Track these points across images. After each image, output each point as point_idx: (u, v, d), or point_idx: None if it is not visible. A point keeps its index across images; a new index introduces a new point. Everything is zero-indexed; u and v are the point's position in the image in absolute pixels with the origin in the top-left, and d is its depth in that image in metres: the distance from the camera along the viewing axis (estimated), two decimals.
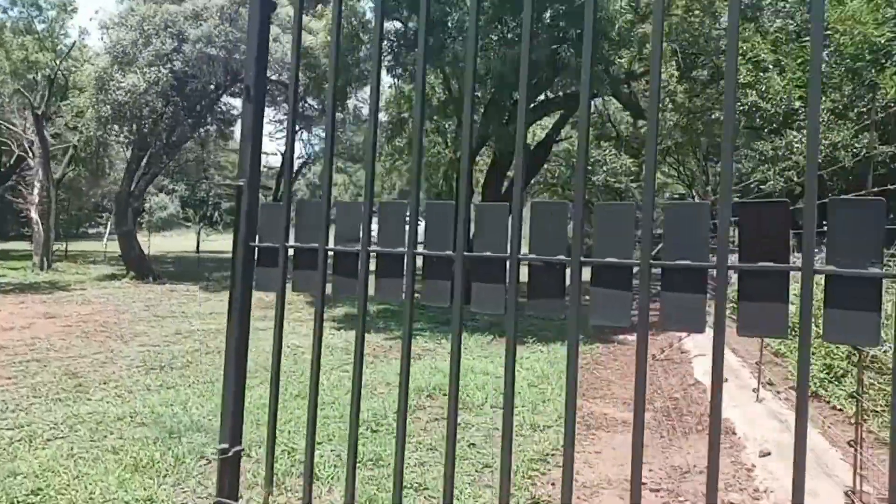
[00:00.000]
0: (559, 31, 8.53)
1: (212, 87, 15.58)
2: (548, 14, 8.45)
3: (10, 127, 16.80)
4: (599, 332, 9.27)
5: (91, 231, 48.05)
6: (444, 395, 5.67)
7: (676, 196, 26.29)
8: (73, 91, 20.22)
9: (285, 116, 22.60)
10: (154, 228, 54.03)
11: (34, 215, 16.06)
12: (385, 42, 10.02)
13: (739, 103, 14.24)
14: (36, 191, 16.15)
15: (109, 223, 44.34)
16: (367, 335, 6.21)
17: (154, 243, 38.90)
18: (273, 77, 16.29)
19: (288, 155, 1.80)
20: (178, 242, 37.04)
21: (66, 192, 35.29)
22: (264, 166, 46.51)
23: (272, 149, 31.49)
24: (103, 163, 24.46)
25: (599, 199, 23.63)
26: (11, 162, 21.05)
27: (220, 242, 33.40)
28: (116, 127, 15.26)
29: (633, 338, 9.31)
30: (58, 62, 16.26)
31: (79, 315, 10.33)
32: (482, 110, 10.14)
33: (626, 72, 10.98)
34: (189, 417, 4.80)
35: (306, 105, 21.25)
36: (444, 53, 9.84)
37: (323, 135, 23.07)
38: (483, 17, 9.24)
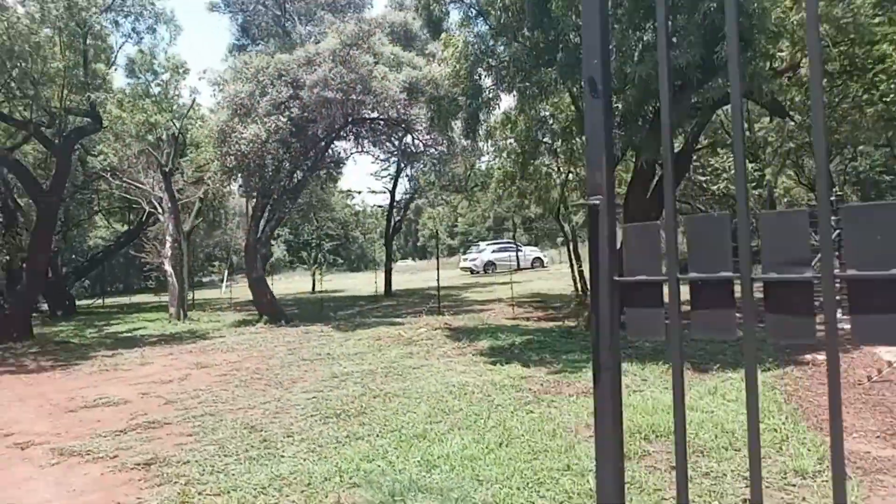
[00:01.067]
0: (713, 29, 7.86)
1: (325, 131, 15.76)
2: (700, 12, 7.80)
3: (140, 186, 17.63)
4: (782, 351, 8.36)
5: (205, 280, 50.50)
6: (660, 436, 5.05)
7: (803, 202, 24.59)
8: (191, 148, 21.23)
9: (388, 156, 22.81)
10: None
11: (168, 268, 16.70)
12: (504, 65, 9.67)
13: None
14: (168, 244, 16.81)
15: (224, 271, 46.26)
16: (523, 369, 5.66)
17: None
18: (373, 115, 16.37)
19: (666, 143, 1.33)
20: (286, 286, 37.92)
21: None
22: (375, 205, 47.11)
23: (379, 187, 31.80)
24: (219, 214, 25.50)
25: (718, 209, 22.32)
26: (140, 219, 22.19)
27: (333, 282, 34.07)
28: (240, 177, 15.68)
29: (822, 357, 8.35)
30: (180, 121, 16.99)
31: (228, 363, 10.39)
32: (618, 120, 9.55)
33: (771, 68, 10.09)
34: (402, 475, 4.41)
35: (408, 143, 21.34)
36: (577, 71, 9.37)
37: (425, 168, 23.02)
38: (619, 24, 8.71)
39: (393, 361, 9.57)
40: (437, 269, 17.38)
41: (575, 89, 10.41)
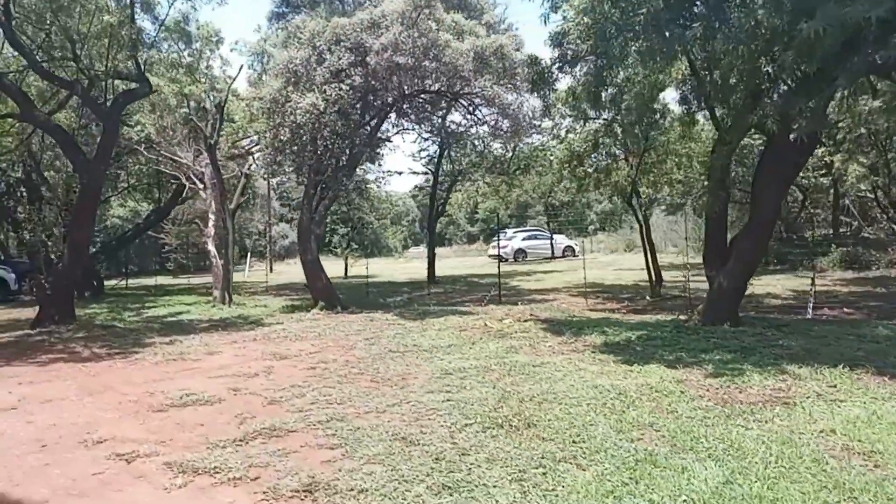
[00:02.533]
0: None
1: (389, 100, 14.56)
2: None
3: (178, 159, 16.43)
4: None
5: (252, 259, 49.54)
6: None
7: None
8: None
9: (429, 134, 21.58)
10: (278, 257, 54.87)
11: (211, 248, 15.55)
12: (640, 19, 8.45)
13: None
14: (211, 223, 15.64)
15: (248, 255, 45.14)
16: (670, 371, 4.45)
17: (279, 270, 39.23)
18: (434, 86, 15.13)
19: None
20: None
21: (187, 226, 36.01)
22: (415, 186, 45.83)
23: (419, 168, 30.51)
24: (247, 193, 24.30)
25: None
26: (171, 196, 21.01)
27: (357, 267, 32.61)
28: (292, 150, 14.51)
29: None
30: (224, 92, 15.76)
31: (307, 354, 9.28)
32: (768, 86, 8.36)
33: None
34: None
35: (451, 121, 20.16)
36: (692, 31, 8.19)
37: (472, 148, 21.78)
38: None
39: (500, 357, 8.45)
40: (499, 257, 16.23)
41: (697, 52, 9.17)
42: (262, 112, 14.76)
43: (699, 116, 13.83)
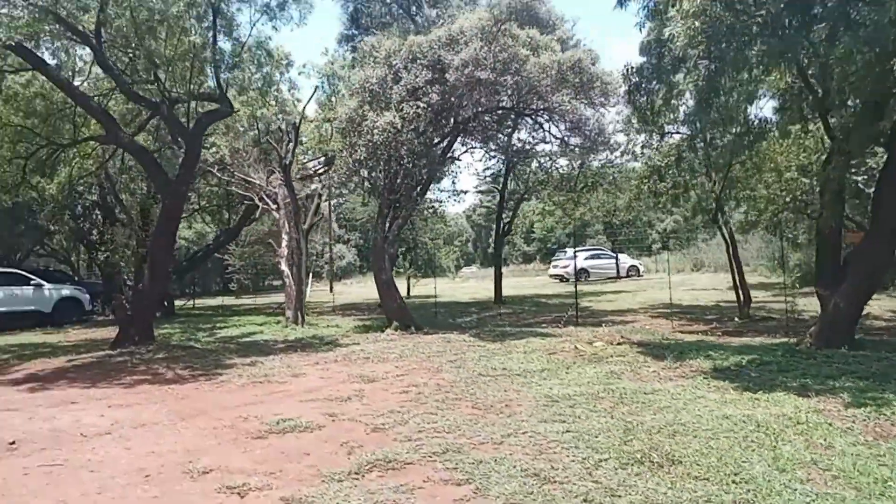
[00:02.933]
0: None
1: (463, 117, 14.27)
2: None
3: (250, 180, 16.46)
4: None
5: (276, 283, 49.74)
6: None
7: None
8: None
9: (496, 152, 21.19)
10: (335, 277, 55.26)
11: (284, 268, 15.46)
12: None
13: None
14: (284, 243, 15.56)
15: (310, 275, 45.47)
16: (802, 400, 3.77)
17: (338, 290, 39.29)
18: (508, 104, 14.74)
19: None
20: (359, 290, 36.52)
21: (250, 247, 36.38)
22: (471, 206, 45.53)
23: (483, 187, 30.17)
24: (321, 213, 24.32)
25: None
26: (240, 217, 21.16)
27: (419, 287, 32.23)
28: (364, 171, 14.35)
29: None
30: (292, 113, 15.77)
31: (394, 377, 8.90)
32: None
33: None
34: None
35: (517, 139, 19.74)
36: (813, 35, 7.58)
37: (540, 166, 21.27)
38: None
39: (605, 383, 7.90)
40: (576, 276, 15.65)
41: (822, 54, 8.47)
42: (338, 132, 14.67)
43: (795, 127, 13.03)
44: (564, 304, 20.45)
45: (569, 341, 11.27)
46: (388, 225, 14.63)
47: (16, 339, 16.34)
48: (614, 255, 34.59)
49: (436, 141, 14.58)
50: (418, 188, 14.73)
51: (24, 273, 19.82)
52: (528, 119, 17.37)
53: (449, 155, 17.29)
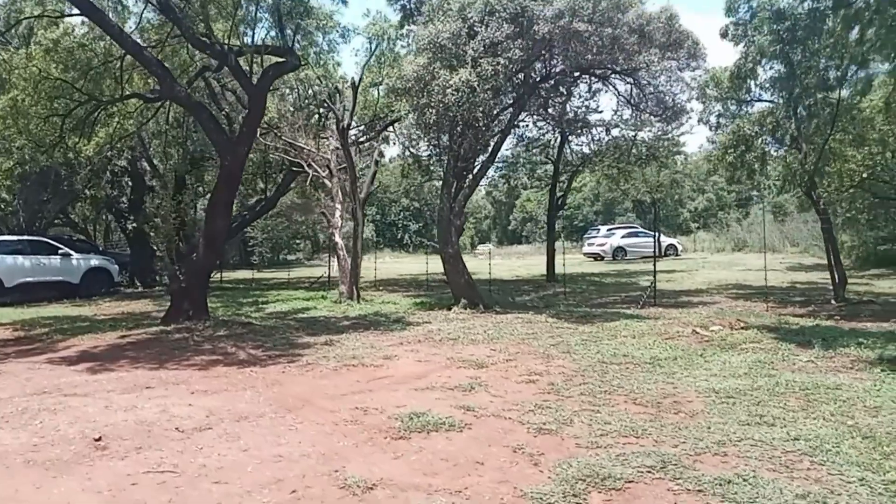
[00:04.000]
0: None
1: (541, 75, 13.02)
2: None
3: (300, 145, 15.24)
4: None
5: (290, 258, 48.73)
6: None
7: None
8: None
9: (555, 121, 19.89)
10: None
11: (338, 240, 14.33)
12: None
13: None
14: (338, 213, 14.40)
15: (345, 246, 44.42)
16: None
17: (365, 266, 38.20)
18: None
19: None
20: (406, 265, 35.31)
21: (272, 220, 35.14)
22: (489, 181, 43.97)
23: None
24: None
25: None
26: (278, 187, 19.98)
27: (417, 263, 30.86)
28: (433, 135, 13.15)
29: None
30: (360, 71, 14.50)
31: (502, 362, 7.85)
32: None
33: None
34: None
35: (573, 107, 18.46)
36: None
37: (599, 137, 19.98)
38: None
39: (763, 374, 6.81)
40: (655, 252, 14.49)
41: None
42: (399, 94, 13.45)
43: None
44: (621, 283, 19.36)
45: (675, 324, 10.16)
46: (452, 195, 13.47)
47: (47, 311, 15.33)
48: (652, 233, 33.30)
49: (509, 102, 13.35)
50: (488, 154, 13.53)
51: (51, 241, 18.76)
52: (596, 83, 16.15)
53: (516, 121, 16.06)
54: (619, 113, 19.24)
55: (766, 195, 46.82)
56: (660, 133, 22.74)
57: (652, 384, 6.52)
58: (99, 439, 5.16)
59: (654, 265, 14.31)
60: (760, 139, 14.12)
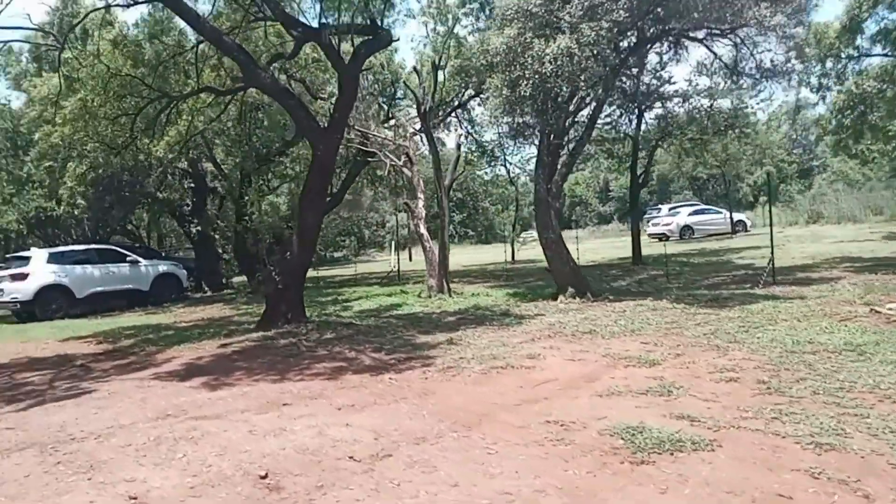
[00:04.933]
0: None
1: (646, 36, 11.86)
2: None
3: (373, 134, 14.32)
4: None
5: (336, 255, 48.16)
6: None
7: None
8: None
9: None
10: (400, 246, 53.30)
11: (423, 230, 13.39)
12: None
13: None
14: (421, 203, 13.45)
15: (389, 241, 43.78)
16: None
17: (404, 258, 37.59)
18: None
19: None
20: (471, 255, 34.20)
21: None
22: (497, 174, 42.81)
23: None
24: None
25: None
26: (341, 182, 19.12)
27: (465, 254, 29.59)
28: (528, 109, 12.10)
29: None
30: (444, 47, 13.47)
31: (672, 358, 6.79)
32: None
33: None
34: None
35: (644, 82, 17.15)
36: None
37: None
38: None
39: None
40: (770, 220, 13.24)
41: None
42: (484, 68, 12.45)
43: None
44: (713, 263, 18.10)
45: (831, 303, 9.03)
46: (548, 175, 12.42)
47: (123, 320, 14.79)
48: (721, 210, 31.80)
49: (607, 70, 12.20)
50: (586, 128, 12.45)
51: (118, 249, 18.27)
52: (668, 52, 14.85)
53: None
54: (693, 83, 18.09)
55: (828, 164, 44.74)
56: (737, 103, 21.35)
57: (886, 375, 5.42)
58: (265, 476, 4.29)
59: (772, 243, 13.05)
60: (884, 97, 12.71)
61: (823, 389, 5.21)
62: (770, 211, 13.55)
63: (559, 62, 10.96)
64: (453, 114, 19.42)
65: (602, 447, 4.34)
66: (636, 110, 19.04)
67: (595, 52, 11.21)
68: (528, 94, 11.49)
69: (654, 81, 16.67)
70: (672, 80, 17.94)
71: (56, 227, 19.92)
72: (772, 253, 13.12)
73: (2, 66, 21.35)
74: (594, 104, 12.49)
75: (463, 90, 17.83)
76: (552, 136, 12.31)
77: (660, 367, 6.44)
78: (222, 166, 18.10)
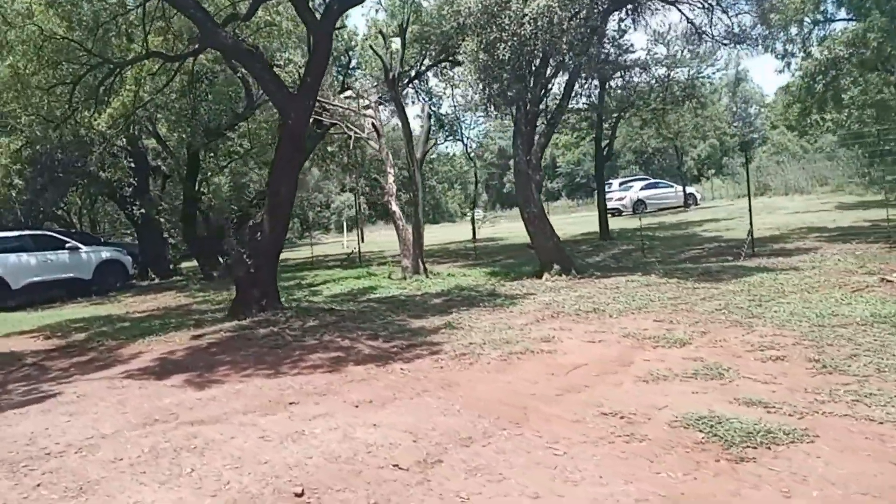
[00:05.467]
0: None
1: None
2: None
3: (334, 105, 13.45)
4: None
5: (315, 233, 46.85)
6: None
7: None
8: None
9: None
10: (339, 229, 52.01)
11: (395, 208, 12.69)
12: None
13: None
14: (391, 178, 12.70)
15: (335, 222, 42.46)
16: None
17: (351, 238, 36.76)
18: None
19: None
20: (436, 234, 33.54)
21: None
22: (490, 141, 42.65)
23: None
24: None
25: None
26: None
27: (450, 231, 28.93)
28: (506, 75, 11.50)
29: None
30: (405, 8, 12.65)
31: (697, 336, 6.39)
32: None
33: None
34: None
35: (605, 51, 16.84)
36: None
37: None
38: None
39: None
40: (749, 204, 13.14)
41: None
42: (456, 31, 11.76)
43: None
44: (679, 237, 18.06)
45: (834, 273, 8.87)
46: (527, 147, 11.90)
47: (67, 312, 13.57)
48: (671, 184, 32.10)
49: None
50: (562, 95, 11.95)
51: (55, 235, 16.80)
52: (625, 19, 14.46)
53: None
54: (650, 52, 17.99)
55: (767, 136, 45.97)
56: (694, 72, 21.29)
57: None
58: (302, 494, 3.63)
59: (751, 214, 12.97)
60: (850, 62, 12.67)
61: (887, 366, 4.87)
62: (748, 181, 13.43)
63: (538, 23, 10.40)
64: (410, 84, 18.62)
65: (683, 442, 3.85)
66: (598, 81, 18.71)
67: (576, 10, 10.70)
68: (506, 57, 10.89)
69: (614, 49, 16.36)
70: (632, 49, 17.66)
71: None
72: (751, 224, 13.02)
73: None
74: (571, 69, 11.97)
75: (421, 59, 17.02)
76: (528, 104, 11.76)
77: (691, 347, 6.03)
78: (167, 143, 16.77)
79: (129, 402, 5.77)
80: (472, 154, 29.01)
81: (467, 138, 24.66)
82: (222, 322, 9.43)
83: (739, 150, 44.36)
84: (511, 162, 49.56)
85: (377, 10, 15.08)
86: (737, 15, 13.11)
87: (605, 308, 8.20)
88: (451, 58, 16.43)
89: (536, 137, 12.06)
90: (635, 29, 15.79)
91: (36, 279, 15.55)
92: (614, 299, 8.79)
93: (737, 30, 13.87)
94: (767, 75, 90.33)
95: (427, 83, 19.93)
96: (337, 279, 14.66)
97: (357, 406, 5.11)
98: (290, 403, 5.31)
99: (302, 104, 9.05)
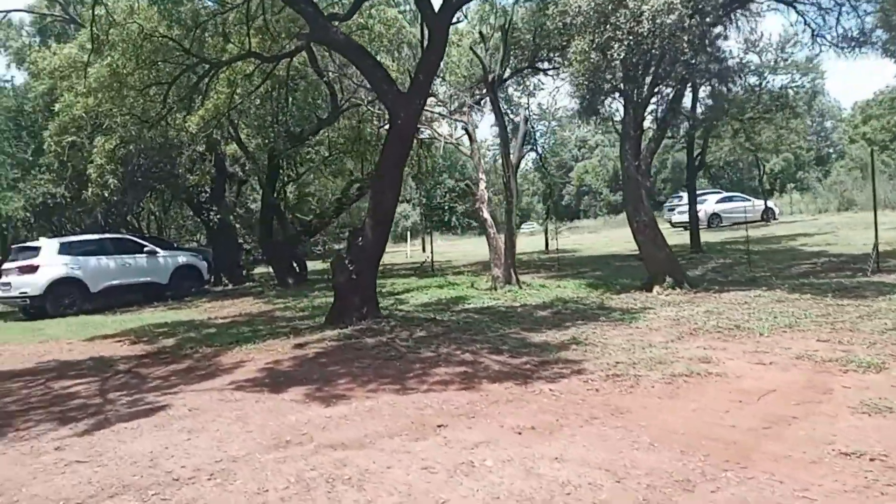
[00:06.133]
0: None
1: None
2: None
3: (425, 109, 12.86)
4: None
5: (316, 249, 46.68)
6: None
7: None
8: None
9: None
10: (400, 238, 51.82)
11: (486, 215, 12.02)
12: None
13: None
14: (482, 184, 12.07)
15: (392, 233, 42.17)
16: None
17: (415, 249, 36.28)
18: None
19: None
20: (447, 248, 33.21)
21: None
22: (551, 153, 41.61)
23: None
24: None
25: None
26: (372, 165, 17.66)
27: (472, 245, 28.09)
28: (620, 75, 10.78)
29: None
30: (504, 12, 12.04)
31: (869, 357, 5.49)
32: None
33: None
34: None
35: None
36: None
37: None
38: None
39: None
40: (875, 219, 12.06)
41: None
42: (562, 32, 11.11)
43: None
44: (773, 251, 16.92)
45: None
46: (640, 147, 11.14)
47: (146, 317, 13.38)
48: (748, 198, 30.68)
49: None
50: (678, 97, 11.16)
51: (134, 238, 16.73)
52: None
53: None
54: (743, 60, 16.93)
55: (845, 151, 43.86)
56: (788, 81, 20.17)
57: None
58: None
59: (875, 229, 11.87)
60: None
61: None
62: (874, 191, 12.35)
63: (658, 20, 9.67)
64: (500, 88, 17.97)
65: None
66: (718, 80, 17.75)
67: (700, 6, 9.94)
68: (621, 57, 10.17)
69: (717, 53, 15.42)
70: (731, 55, 16.68)
71: (63, 215, 18.26)
72: (876, 239, 11.93)
73: (1, 40, 19.60)
74: (686, 70, 11.17)
75: (518, 61, 16.38)
76: (636, 108, 11.01)
77: (892, 373, 5.15)
78: (249, 149, 16.53)
79: (250, 419, 5.21)
80: (546, 163, 28.26)
81: (541, 147, 23.98)
82: (321, 330, 8.90)
83: (815, 164, 42.50)
84: (571, 174, 48.37)
85: (477, 12, 14.45)
86: (858, 17, 12.12)
87: (747, 325, 7.37)
88: (535, 64, 15.77)
89: (645, 143, 11.29)
90: (726, 38, 14.95)
91: (114, 283, 15.49)
92: (751, 316, 7.94)
93: (855, 33, 12.93)
94: (846, 89, 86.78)
95: (506, 91, 19.30)
96: (417, 288, 14.10)
97: (520, 433, 4.43)
98: (439, 426, 4.67)
99: (412, 103, 8.52)
